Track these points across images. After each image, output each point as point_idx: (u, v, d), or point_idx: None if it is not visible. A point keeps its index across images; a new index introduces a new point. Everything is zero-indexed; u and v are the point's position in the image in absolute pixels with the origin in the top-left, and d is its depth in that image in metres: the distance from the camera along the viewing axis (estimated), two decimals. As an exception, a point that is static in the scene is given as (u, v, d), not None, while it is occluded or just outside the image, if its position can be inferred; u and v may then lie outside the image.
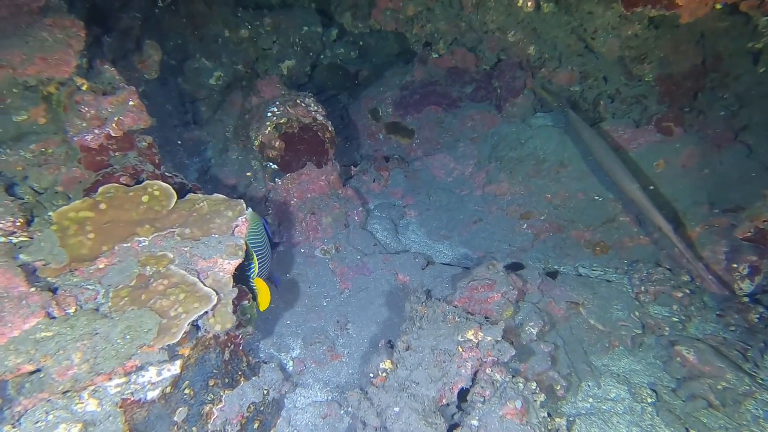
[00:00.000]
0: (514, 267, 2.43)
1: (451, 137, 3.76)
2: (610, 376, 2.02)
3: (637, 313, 2.24)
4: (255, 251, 1.76)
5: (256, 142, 2.95)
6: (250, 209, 1.72)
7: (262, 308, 1.82)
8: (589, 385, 1.99)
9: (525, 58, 3.14)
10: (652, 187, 2.57)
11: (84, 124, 1.70)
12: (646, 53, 2.34)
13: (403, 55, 4.74)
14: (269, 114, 2.98)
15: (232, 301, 1.64)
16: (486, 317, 1.86)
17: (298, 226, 2.92)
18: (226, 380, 1.66)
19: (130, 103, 1.83)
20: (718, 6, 1.64)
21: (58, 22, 1.49)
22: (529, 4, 1.83)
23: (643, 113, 2.70)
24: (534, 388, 1.55)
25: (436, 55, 3.79)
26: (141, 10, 3.01)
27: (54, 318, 1.29)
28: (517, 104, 3.35)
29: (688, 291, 2.28)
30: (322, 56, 4.60)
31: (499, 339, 1.65)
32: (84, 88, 1.70)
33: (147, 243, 1.65)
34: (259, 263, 1.80)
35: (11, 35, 1.41)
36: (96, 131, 1.74)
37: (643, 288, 2.31)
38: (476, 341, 1.67)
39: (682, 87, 2.43)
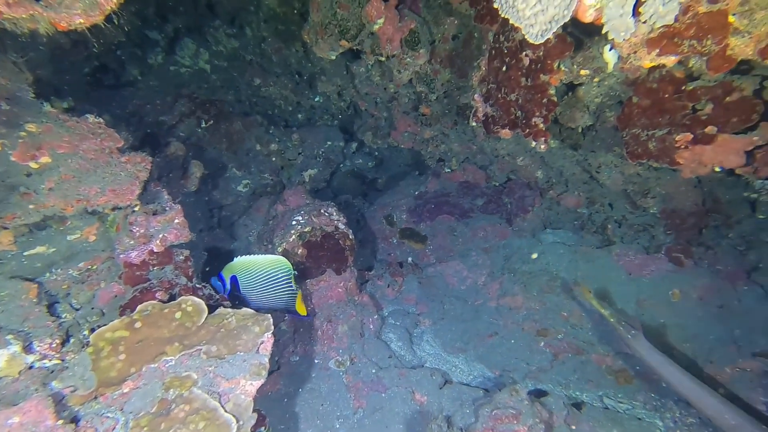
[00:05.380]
0: (537, 393, 2.33)
1: (463, 246, 3.88)
2: None
3: (679, 465, 2.05)
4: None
5: (280, 249, 3.07)
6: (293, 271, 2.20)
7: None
8: None
9: (533, 179, 3.40)
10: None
11: (132, 242, 1.82)
12: (648, 189, 2.53)
13: (417, 166, 5.13)
14: (294, 222, 3.15)
15: (250, 429, 1.59)
16: (513, 456, 1.76)
17: (314, 334, 2.89)
18: None
19: (176, 221, 1.97)
20: (717, 169, 1.83)
21: (132, 159, 1.71)
22: (542, 147, 2.06)
23: (651, 241, 2.80)
24: None
25: (449, 170, 4.11)
26: (186, 131, 3.43)
27: (74, 453, 1.26)
28: (528, 219, 3.53)
29: (731, 442, 2.04)
30: (341, 165, 4.99)
31: (531, 486, 1.54)
32: (137, 209, 1.86)
33: (173, 363, 1.65)
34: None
35: (93, 172, 1.61)
36: (141, 248, 1.86)
37: (678, 432, 2.13)
38: (506, 486, 1.57)
39: (687, 222, 2.55)
